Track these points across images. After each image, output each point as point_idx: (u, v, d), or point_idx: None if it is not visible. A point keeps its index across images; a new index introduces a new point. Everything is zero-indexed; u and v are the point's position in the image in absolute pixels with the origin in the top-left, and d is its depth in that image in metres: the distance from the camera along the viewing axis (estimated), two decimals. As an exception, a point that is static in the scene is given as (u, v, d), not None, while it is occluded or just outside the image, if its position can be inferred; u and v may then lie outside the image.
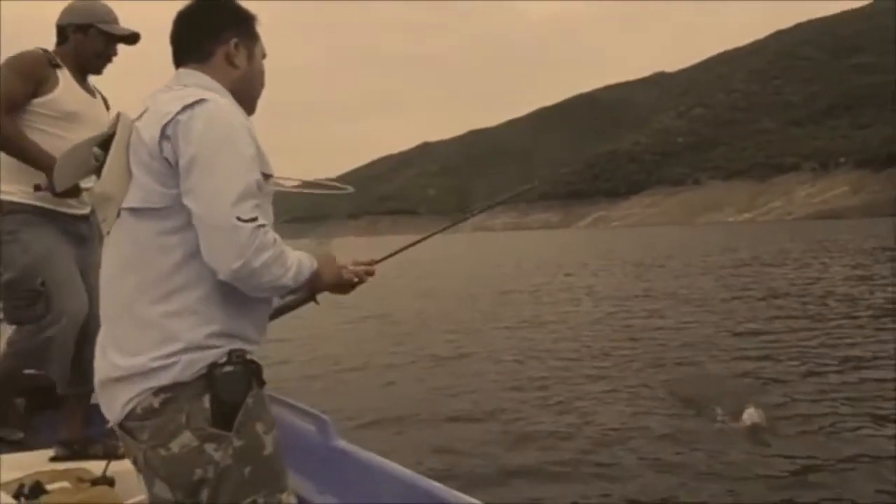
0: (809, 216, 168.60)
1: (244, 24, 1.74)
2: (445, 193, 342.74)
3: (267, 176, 1.60)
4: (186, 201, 1.49)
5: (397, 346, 10.47)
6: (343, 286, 1.82)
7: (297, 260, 1.60)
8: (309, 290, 1.75)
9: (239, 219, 1.46)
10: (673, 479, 4.76)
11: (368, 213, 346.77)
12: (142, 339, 1.52)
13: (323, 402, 5.81)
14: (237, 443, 1.52)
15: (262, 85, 1.81)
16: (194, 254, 1.52)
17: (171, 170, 1.52)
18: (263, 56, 1.80)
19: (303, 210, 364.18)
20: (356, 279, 1.84)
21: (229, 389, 1.52)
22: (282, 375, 7.58)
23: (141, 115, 1.61)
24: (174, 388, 1.50)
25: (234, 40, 1.70)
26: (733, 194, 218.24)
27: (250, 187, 1.50)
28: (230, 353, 1.54)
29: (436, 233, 2.35)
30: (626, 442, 5.58)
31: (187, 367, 1.50)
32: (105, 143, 1.63)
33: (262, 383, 1.59)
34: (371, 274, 1.89)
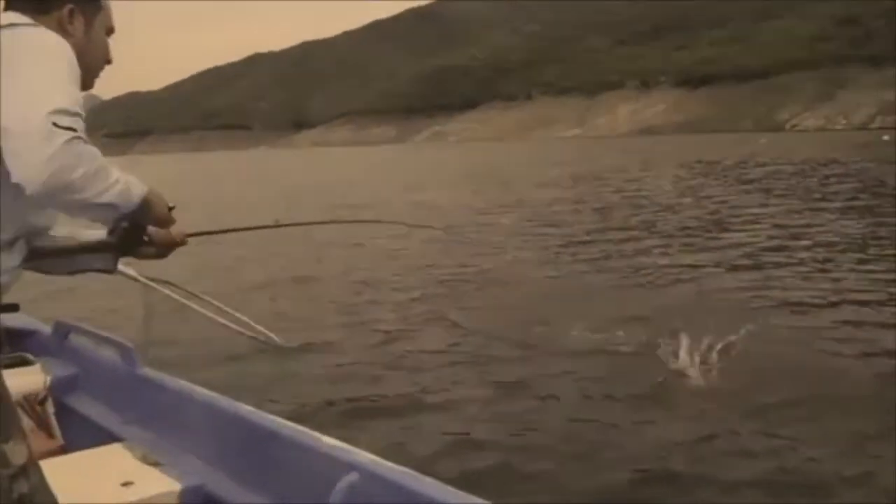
0: (632, 132, 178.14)
1: None
2: (279, 107, 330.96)
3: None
4: None
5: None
6: (167, 242, 1.72)
7: (125, 178, 1.40)
8: (137, 219, 1.58)
9: (55, 125, 1.27)
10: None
11: (196, 128, 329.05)
12: None
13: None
14: None
15: (104, 60, 1.69)
16: None
17: None
18: (110, 31, 1.69)
19: (121, 124, 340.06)
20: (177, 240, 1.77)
21: None
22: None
23: None
24: None
25: (70, 6, 1.59)
26: (564, 110, 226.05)
27: (73, 101, 1.33)
28: None
29: (259, 227, 2.32)
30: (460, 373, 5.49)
31: None
32: None
33: None
34: (183, 244, 1.81)
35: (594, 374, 5.23)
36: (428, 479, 1.65)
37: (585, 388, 5.00)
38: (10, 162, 1.31)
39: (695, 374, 5.05)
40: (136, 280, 2.51)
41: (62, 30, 1.56)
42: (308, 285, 8.94)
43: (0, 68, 1.34)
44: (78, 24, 1.60)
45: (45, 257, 1.63)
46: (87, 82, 1.64)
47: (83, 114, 1.39)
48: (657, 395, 4.84)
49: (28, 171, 1.28)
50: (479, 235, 12.00)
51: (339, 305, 7.77)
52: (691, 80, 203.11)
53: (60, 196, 1.31)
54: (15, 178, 1.30)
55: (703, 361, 5.19)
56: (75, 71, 1.44)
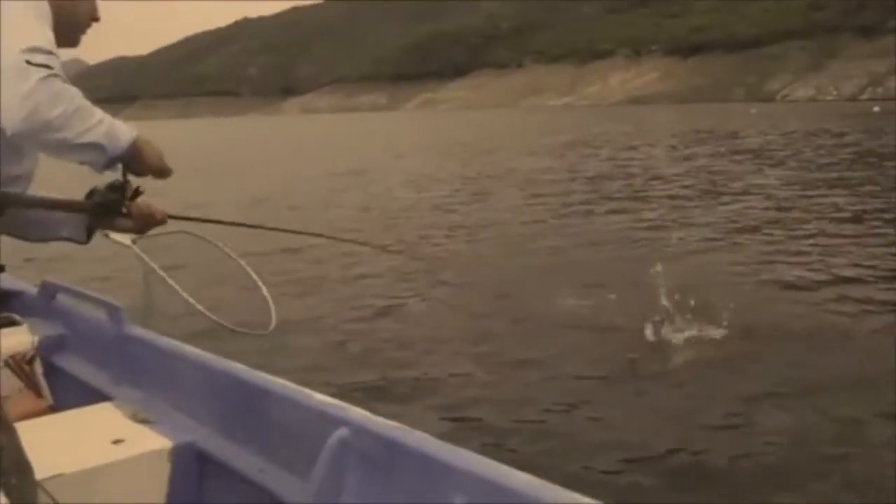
0: (622, 101, 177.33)
1: None
2: (268, 73, 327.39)
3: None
4: None
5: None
6: (146, 216, 1.66)
7: (111, 120, 1.37)
8: (133, 162, 1.50)
9: (29, 62, 1.25)
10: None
11: (183, 94, 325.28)
12: None
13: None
14: None
15: (90, 16, 1.63)
16: None
17: None
18: None
19: (108, 90, 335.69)
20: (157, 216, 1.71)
21: None
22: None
23: None
24: None
25: None
26: (554, 78, 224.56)
27: (47, 42, 1.31)
28: None
29: (244, 225, 2.22)
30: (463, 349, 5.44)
31: None
32: None
33: None
34: (163, 222, 1.75)
35: (584, 347, 5.20)
36: (419, 433, 1.65)
37: (573, 362, 4.96)
38: None
39: (686, 347, 5.04)
40: (127, 247, 2.47)
41: None
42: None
43: None
44: None
45: (15, 206, 1.56)
46: (72, 38, 1.61)
47: (58, 55, 1.36)
48: (645, 370, 4.80)
49: (5, 109, 1.25)
50: (467, 208, 11.92)
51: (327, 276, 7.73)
52: (682, 49, 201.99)
53: (41, 135, 1.28)
54: None
55: (697, 334, 5.17)
56: (47, 14, 1.40)
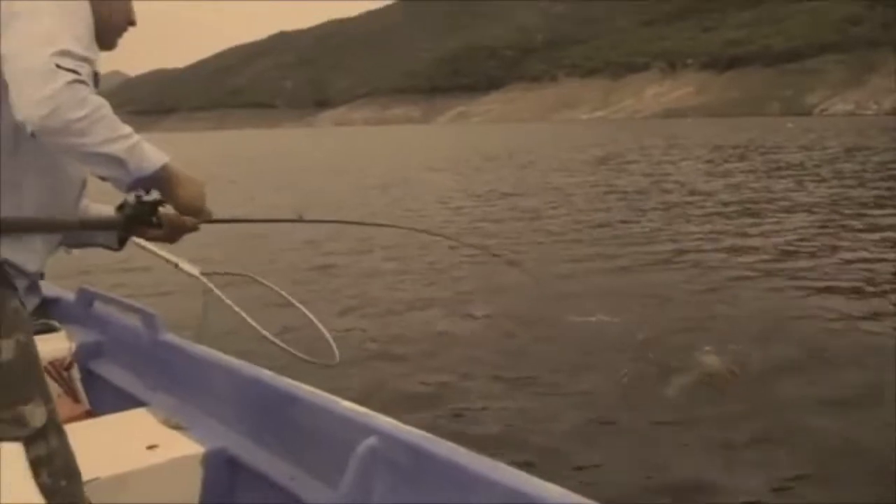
0: (657, 115, 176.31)
1: None
2: (303, 86, 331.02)
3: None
4: (1, 48, 1.32)
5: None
6: (197, 208, 1.57)
7: (139, 139, 1.36)
8: (162, 190, 1.50)
9: (58, 66, 1.27)
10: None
11: (220, 106, 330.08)
12: None
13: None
14: None
15: (126, 20, 1.64)
16: None
17: None
18: None
19: (147, 102, 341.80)
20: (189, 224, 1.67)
21: None
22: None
23: None
24: None
25: None
26: (588, 91, 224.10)
27: (81, 46, 1.32)
28: None
29: (280, 220, 2.30)
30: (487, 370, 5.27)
31: None
32: None
33: (2, 282, 1.43)
34: (195, 229, 1.71)
35: (619, 368, 5.01)
36: (448, 443, 1.65)
37: (608, 381, 4.78)
38: (13, 100, 1.31)
39: (727, 371, 4.78)
40: (170, 262, 2.50)
41: None
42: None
43: (15, 11, 1.34)
44: None
45: (46, 231, 1.56)
46: (109, 41, 1.62)
47: (93, 59, 1.38)
48: (684, 394, 4.53)
49: (28, 108, 1.28)
50: (499, 226, 11.70)
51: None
52: (718, 63, 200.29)
53: (60, 137, 1.30)
54: (17, 116, 1.30)
55: (739, 358, 4.88)
56: (88, 19, 1.42)
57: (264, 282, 2.45)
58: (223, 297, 2.21)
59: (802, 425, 4.10)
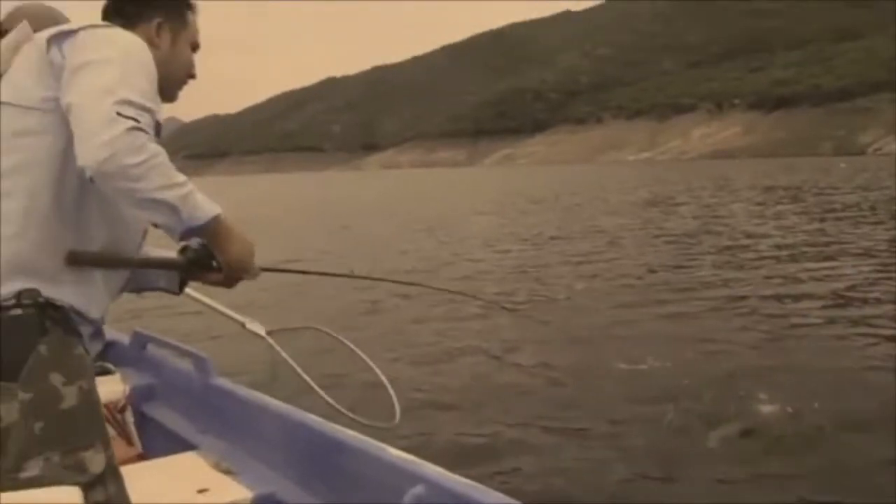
0: (704, 156, 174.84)
1: (173, 7, 1.68)
2: (351, 130, 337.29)
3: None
4: (66, 97, 1.38)
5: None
6: (244, 265, 1.60)
7: (193, 189, 1.39)
8: (212, 242, 1.55)
9: (119, 113, 1.31)
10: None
11: (270, 150, 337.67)
12: None
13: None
14: (24, 396, 1.38)
15: (187, 74, 1.72)
16: (31, 163, 1.43)
17: (50, 69, 1.44)
18: (195, 46, 1.73)
19: (201, 147, 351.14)
20: (251, 274, 1.67)
21: (13, 336, 1.38)
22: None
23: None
24: None
25: (158, 20, 1.64)
26: (634, 133, 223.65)
27: (144, 97, 1.38)
28: (20, 293, 1.40)
29: (335, 275, 2.62)
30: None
31: None
32: None
33: (67, 329, 1.45)
34: (255, 276, 1.70)
35: (670, 418, 4.87)
36: (495, 493, 1.64)
37: (658, 432, 4.66)
38: (76, 147, 1.35)
39: (781, 423, 4.62)
40: (230, 318, 2.53)
41: (149, 42, 1.59)
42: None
43: (83, 63, 1.41)
44: (164, 38, 1.65)
45: (115, 267, 1.62)
46: (170, 94, 1.68)
47: (155, 110, 1.43)
48: (738, 447, 4.30)
49: (87, 152, 1.32)
50: (544, 272, 11.58)
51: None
52: (766, 103, 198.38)
53: (116, 182, 1.33)
54: (78, 162, 1.34)
55: (797, 411, 4.75)
56: (152, 73, 1.48)
57: (333, 333, 2.45)
58: (289, 359, 2.22)
59: (867, 486, 3.94)
